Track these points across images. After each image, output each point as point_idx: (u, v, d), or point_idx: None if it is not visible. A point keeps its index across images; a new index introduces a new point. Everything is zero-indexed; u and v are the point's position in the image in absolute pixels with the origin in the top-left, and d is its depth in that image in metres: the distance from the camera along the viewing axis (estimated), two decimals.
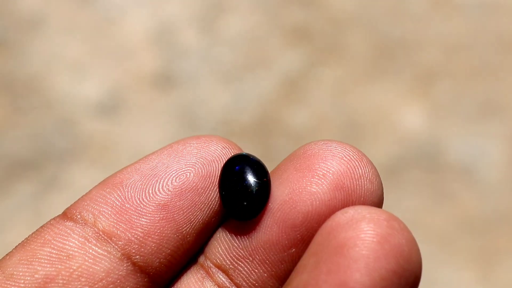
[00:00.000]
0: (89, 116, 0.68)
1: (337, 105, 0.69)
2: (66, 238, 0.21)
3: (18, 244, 0.21)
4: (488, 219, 0.63)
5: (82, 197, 0.22)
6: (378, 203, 0.21)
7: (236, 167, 0.22)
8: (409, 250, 0.19)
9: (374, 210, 0.20)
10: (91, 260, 0.21)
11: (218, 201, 0.22)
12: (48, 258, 0.21)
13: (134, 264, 0.21)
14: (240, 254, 0.22)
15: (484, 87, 0.70)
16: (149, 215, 0.21)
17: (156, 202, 0.21)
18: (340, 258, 0.19)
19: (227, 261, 0.22)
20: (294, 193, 0.21)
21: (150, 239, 0.21)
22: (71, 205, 0.22)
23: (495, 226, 0.63)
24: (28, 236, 0.21)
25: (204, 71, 0.71)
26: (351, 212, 0.20)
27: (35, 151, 0.67)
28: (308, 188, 0.21)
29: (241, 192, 0.21)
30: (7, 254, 0.21)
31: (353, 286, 0.18)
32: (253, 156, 0.22)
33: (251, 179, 0.22)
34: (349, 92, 0.70)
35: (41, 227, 0.22)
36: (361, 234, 0.19)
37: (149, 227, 0.21)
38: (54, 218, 0.22)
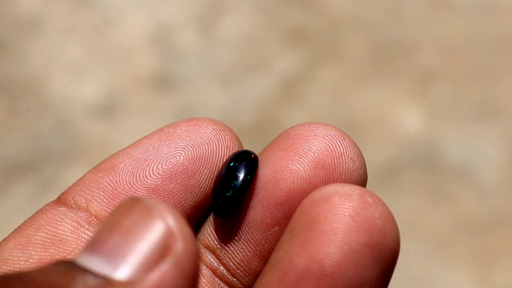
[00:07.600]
0: (87, 117, 0.68)
1: (336, 106, 0.69)
2: (59, 223, 0.21)
3: (14, 230, 0.22)
4: (486, 220, 0.64)
5: (75, 182, 0.22)
6: (360, 181, 0.22)
7: (227, 164, 0.22)
8: (382, 223, 0.19)
9: (348, 186, 0.20)
10: (83, 244, 0.21)
11: (209, 184, 0.22)
12: (42, 243, 0.21)
13: None
14: (227, 234, 0.22)
15: (482, 88, 0.70)
16: None
17: (147, 186, 0.22)
18: (311, 232, 0.19)
19: (215, 241, 0.22)
20: (276, 172, 0.21)
21: None
22: (65, 191, 0.22)
23: (493, 227, 0.63)
24: (23, 222, 0.22)
25: (202, 73, 0.71)
26: (325, 189, 0.20)
27: (33, 153, 0.67)
28: (290, 166, 0.21)
29: (220, 191, 0.22)
30: (3, 240, 0.21)
31: (323, 258, 0.19)
32: (248, 155, 0.22)
33: (231, 179, 0.22)
34: (347, 93, 0.70)
35: (36, 212, 0.22)
36: (333, 209, 0.19)
37: None
38: (48, 204, 0.22)
